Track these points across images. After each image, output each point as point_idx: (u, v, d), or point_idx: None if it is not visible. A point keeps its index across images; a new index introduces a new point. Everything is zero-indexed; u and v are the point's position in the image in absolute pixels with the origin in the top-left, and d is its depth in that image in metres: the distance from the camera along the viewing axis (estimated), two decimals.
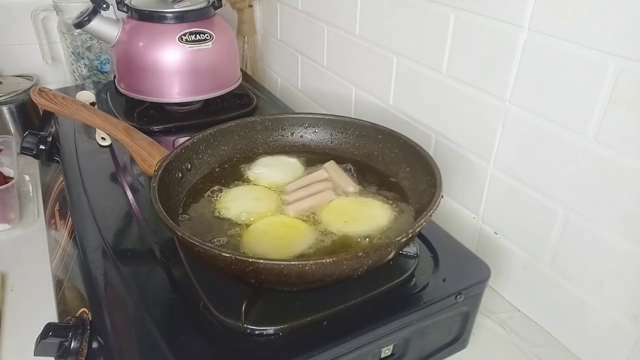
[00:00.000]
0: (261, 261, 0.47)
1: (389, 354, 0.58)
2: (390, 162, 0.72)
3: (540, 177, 0.67)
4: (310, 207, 0.65)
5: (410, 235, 0.51)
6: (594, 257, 0.63)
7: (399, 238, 0.50)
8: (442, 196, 0.58)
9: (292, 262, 0.47)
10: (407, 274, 0.59)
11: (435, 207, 0.55)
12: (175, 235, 0.51)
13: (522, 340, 0.70)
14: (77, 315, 0.59)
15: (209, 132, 0.71)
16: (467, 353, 0.67)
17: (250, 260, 0.47)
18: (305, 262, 0.47)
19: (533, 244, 0.71)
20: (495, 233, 0.77)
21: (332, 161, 0.73)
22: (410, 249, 0.61)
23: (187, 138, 0.70)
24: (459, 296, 0.58)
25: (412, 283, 0.59)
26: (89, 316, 0.57)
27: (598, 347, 0.65)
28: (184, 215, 0.63)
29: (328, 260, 0.47)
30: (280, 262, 0.47)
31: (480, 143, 0.75)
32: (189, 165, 0.69)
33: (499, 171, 0.73)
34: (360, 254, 0.48)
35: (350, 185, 0.69)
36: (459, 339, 0.64)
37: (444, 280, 0.60)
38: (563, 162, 0.63)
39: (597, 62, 0.56)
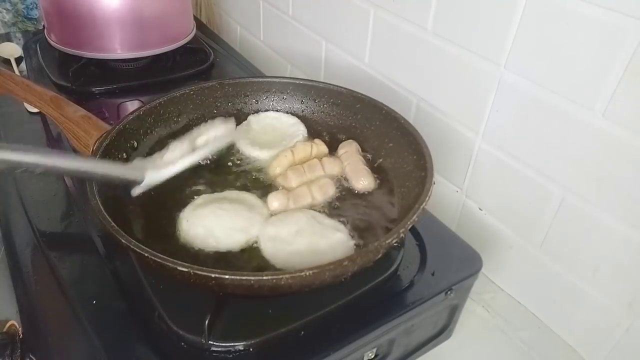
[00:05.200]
0: (226, 276, 0.39)
1: (372, 357, 0.52)
2: (371, 136, 0.63)
3: (535, 153, 0.61)
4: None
5: (401, 234, 0.44)
6: (589, 241, 0.58)
7: (389, 240, 0.43)
8: (434, 182, 0.50)
9: (264, 277, 0.39)
10: (391, 270, 0.53)
11: (427, 199, 0.47)
12: (119, 243, 0.42)
13: (507, 323, 0.67)
14: (4, 330, 0.50)
15: (157, 102, 0.60)
16: (449, 340, 0.62)
17: (213, 275, 0.39)
18: (281, 275, 0.39)
19: (522, 224, 0.66)
20: (480, 209, 0.71)
21: (352, 141, 0.63)
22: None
23: (129, 112, 0.58)
24: (449, 292, 0.53)
25: (398, 279, 0.53)
26: (19, 331, 0.48)
27: (586, 331, 0.62)
28: (133, 207, 0.54)
29: (308, 273, 0.39)
30: (249, 277, 0.39)
31: (468, 112, 0.67)
32: (135, 144, 0.58)
33: (488, 144, 0.66)
34: (346, 262, 0.41)
35: (361, 180, 0.59)
36: (444, 331, 0.60)
37: (432, 275, 0.54)
38: (563, 138, 0.57)
39: (614, 26, 0.48)
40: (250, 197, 0.56)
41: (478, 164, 0.69)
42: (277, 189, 0.58)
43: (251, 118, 0.67)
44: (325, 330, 0.47)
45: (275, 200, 0.55)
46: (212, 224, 0.51)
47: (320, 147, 0.63)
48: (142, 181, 0.45)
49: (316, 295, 0.47)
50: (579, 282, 0.61)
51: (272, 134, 0.65)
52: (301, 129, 0.67)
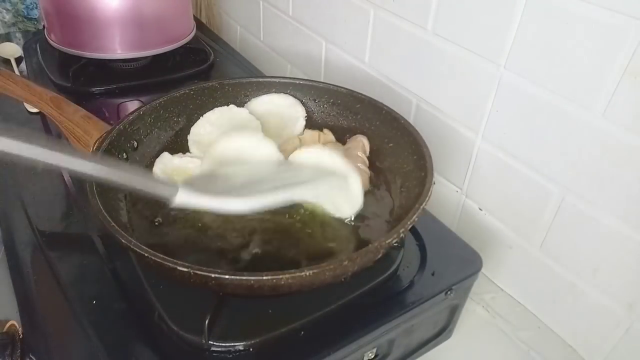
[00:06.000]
0: (226, 277, 0.39)
1: (372, 357, 0.52)
2: (371, 136, 0.63)
3: (535, 153, 0.61)
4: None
5: (401, 234, 0.44)
6: (589, 241, 0.58)
7: (389, 240, 0.43)
8: (434, 182, 0.50)
9: (264, 277, 0.39)
10: (391, 269, 0.53)
11: (427, 199, 0.47)
12: (119, 243, 0.42)
13: (507, 323, 0.67)
14: (4, 330, 0.50)
15: (157, 102, 0.60)
16: (449, 340, 0.62)
17: (213, 275, 0.39)
18: (280, 276, 0.39)
19: (522, 224, 0.65)
20: (480, 209, 0.71)
21: (357, 137, 0.62)
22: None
23: (129, 112, 0.58)
24: (449, 292, 0.52)
25: (398, 279, 0.53)
26: (19, 331, 0.48)
27: (586, 331, 0.62)
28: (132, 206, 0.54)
29: (308, 273, 0.39)
30: (249, 277, 0.39)
31: (468, 112, 0.67)
32: (135, 144, 0.58)
33: (488, 144, 0.66)
34: (345, 262, 0.41)
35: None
36: (444, 331, 0.60)
37: (432, 275, 0.54)
38: (563, 138, 0.57)
39: (614, 26, 0.48)
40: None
41: (478, 164, 0.69)
42: None
43: (248, 108, 0.67)
44: (325, 330, 0.47)
45: None
46: None
47: (327, 136, 0.63)
48: (172, 201, 0.40)
49: (316, 295, 0.47)
50: (579, 282, 0.61)
51: (272, 122, 0.65)
52: (299, 110, 0.66)
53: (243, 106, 0.67)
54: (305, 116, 0.66)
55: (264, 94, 0.68)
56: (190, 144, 0.62)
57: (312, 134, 0.63)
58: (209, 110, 0.65)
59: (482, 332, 0.65)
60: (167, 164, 0.58)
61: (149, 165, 0.59)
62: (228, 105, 0.66)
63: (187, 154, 0.61)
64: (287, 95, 0.68)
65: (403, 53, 0.74)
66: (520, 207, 0.65)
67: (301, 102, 0.68)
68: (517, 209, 0.65)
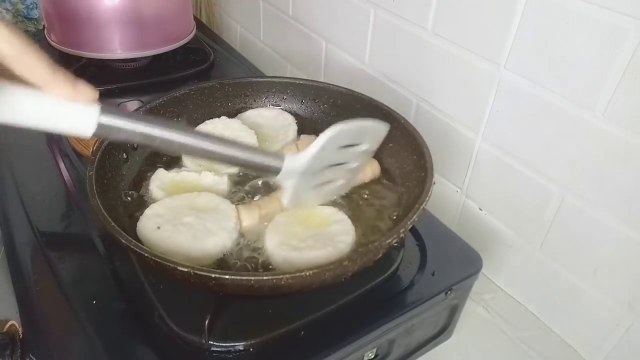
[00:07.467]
0: (226, 277, 0.39)
1: (372, 357, 0.52)
2: None
3: (535, 152, 0.61)
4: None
5: (401, 234, 0.44)
6: (590, 241, 0.58)
7: (389, 240, 0.43)
8: (434, 182, 0.50)
9: (264, 277, 0.39)
10: (391, 269, 0.53)
11: (427, 199, 0.47)
12: (119, 243, 0.42)
13: (507, 324, 0.67)
14: (4, 330, 0.50)
15: (157, 102, 0.60)
16: (449, 340, 0.62)
17: (213, 276, 0.39)
18: (281, 275, 0.39)
19: (522, 223, 0.65)
20: (480, 209, 0.71)
21: None
22: None
23: (131, 111, 0.58)
24: (449, 292, 0.52)
25: (398, 279, 0.53)
26: (19, 331, 0.48)
27: (586, 331, 0.62)
28: (131, 205, 0.54)
29: (308, 273, 0.39)
30: (249, 277, 0.39)
31: (468, 112, 0.67)
32: (135, 144, 0.58)
33: (489, 144, 0.66)
34: (346, 262, 0.41)
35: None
36: (444, 331, 0.60)
37: (432, 275, 0.54)
38: (563, 138, 0.57)
39: (614, 26, 0.48)
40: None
41: (478, 164, 0.69)
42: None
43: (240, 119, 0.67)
44: (325, 330, 0.47)
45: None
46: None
47: None
48: (279, 170, 0.45)
49: (316, 295, 0.47)
50: (579, 282, 0.61)
51: (265, 130, 0.65)
52: (288, 117, 0.67)
53: (236, 115, 0.67)
54: (296, 122, 0.67)
55: (266, 98, 0.69)
56: (183, 157, 0.60)
57: (309, 138, 0.63)
58: (209, 111, 0.65)
59: (482, 332, 0.65)
60: (163, 180, 0.56)
61: (148, 166, 0.59)
62: (228, 104, 0.66)
63: (183, 168, 0.59)
64: (272, 107, 0.69)
65: (403, 53, 0.74)
66: (520, 207, 0.65)
67: (301, 102, 0.68)
68: (517, 209, 0.65)
